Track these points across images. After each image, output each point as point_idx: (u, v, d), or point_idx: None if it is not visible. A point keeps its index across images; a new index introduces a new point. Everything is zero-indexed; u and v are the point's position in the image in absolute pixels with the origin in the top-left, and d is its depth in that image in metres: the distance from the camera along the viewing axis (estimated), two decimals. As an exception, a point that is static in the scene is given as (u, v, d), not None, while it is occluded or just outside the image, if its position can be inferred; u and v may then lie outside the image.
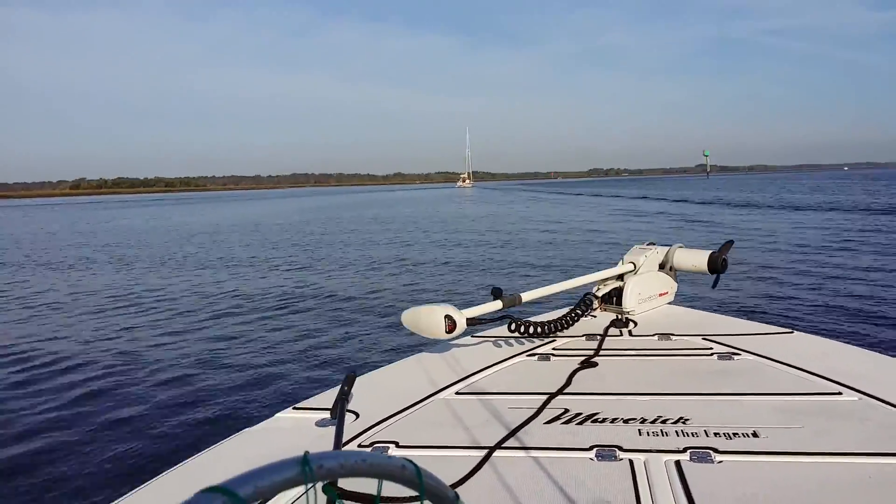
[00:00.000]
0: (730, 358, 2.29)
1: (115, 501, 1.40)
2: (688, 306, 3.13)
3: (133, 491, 1.45)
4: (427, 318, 2.30)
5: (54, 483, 4.23)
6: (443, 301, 2.38)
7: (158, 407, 5.61)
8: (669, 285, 3.13)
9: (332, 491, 1.28)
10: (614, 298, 2.98)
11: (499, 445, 1.63)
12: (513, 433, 1.69)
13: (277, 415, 1.90)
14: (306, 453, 0.56)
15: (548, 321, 2.65)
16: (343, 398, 1.79)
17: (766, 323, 2.84)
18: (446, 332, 2.28)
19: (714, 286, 3.17)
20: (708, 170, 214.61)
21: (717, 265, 3.03)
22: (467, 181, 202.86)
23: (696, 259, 3.10)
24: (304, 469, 0.55)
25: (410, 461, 0.65)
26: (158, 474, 1.55)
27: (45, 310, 10.54)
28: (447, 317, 2.27)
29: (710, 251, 3.08)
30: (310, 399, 2.00)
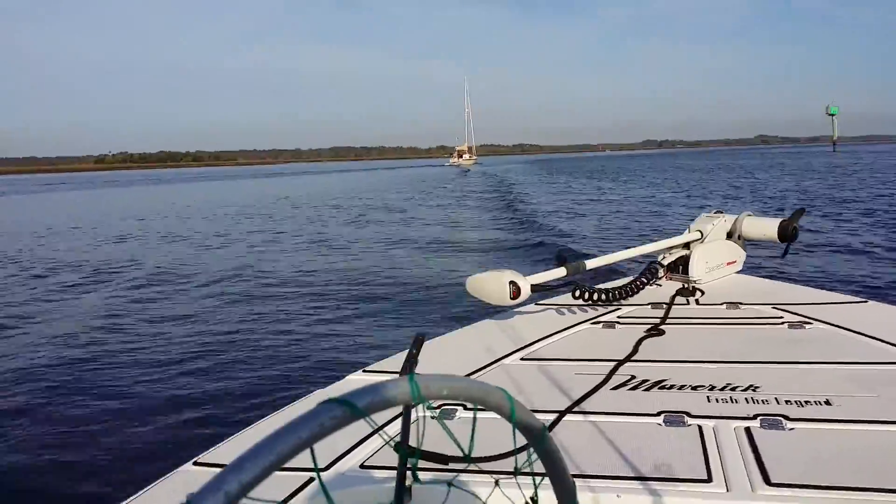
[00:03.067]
0: (801, 327, 2.24)
1: (198, 456, 1.48)
2: (757, 276, 3.06)
3: (213, 447, 1.53)
4: (492, 285, 2.32)
5: (134, 439, 4.47)
6: (507, 268, 2.40)
7: (234, 368, 5.86)
8: (738, 254, 3.07)
9: (404, 450, 1.33)
10: (680, 267, 2.94)
11: (569, 410, 1.64)
12: (581, 399, 1.71)
13: (347, 377, 1.96)
14: (412, 374, 0.62)
15: (613, 288, 2.63)
16: (411, 361, 1.84)
17: (840, 292, 2.76)
18: (511, 298, 2.30)
19: (784, 255, 3.09)
20: (835, 139, 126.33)
21: (787, 233, 2.95)
22: (465, 156, 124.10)
23: (765, 227, 3.02)
24: (412, 386, 0.60)
25: (505, 391, 0.70)
26: (235, 433, 1.63)
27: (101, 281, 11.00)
28: (512, 283, 2.29)
29: (781, 219, 3.00)
30: (379, 362, 2.05)
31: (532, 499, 0.99)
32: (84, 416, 4.99)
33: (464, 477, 1.30)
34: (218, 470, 1.49)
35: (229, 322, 7.62)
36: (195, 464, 1.45)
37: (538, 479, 0.82)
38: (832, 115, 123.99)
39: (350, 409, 0.56)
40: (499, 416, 1.58)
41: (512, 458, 1.27)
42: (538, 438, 0.74)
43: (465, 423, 1.59)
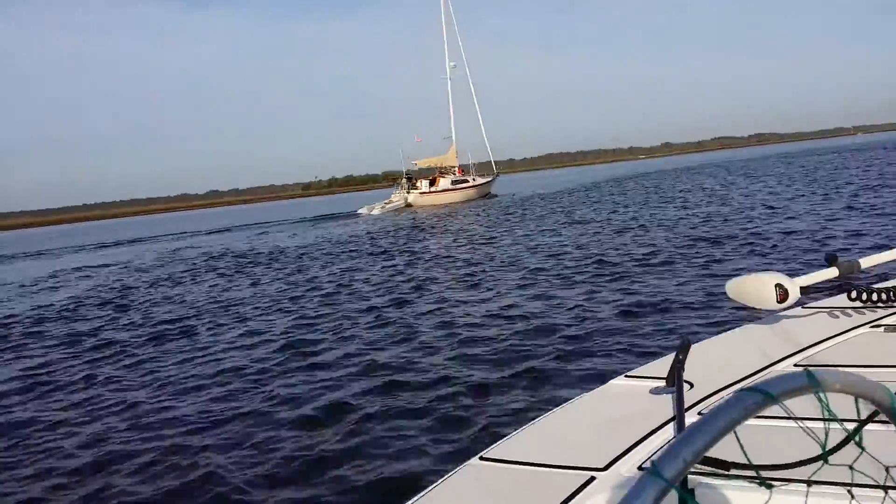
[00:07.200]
0: None
1: (484, 452, 1.60)
2: None
3: (496, 444, 1.63)
4: (755, 288, 2.22)
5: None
6: (770, 269, 2.28)
7: (499, 373, 6.18)
8: None
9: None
10: None
11: (870, 419, 1.53)
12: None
13: (610, 382, 1.99)
14: (806, 369, 0.68)
15: None
16: (679, 366, 1.83)
17: None
18: (777, 302, 2.18)
19: None
20: None
21: None
22: (444, 181, 44.21)
23: None
24: (809, 380, 0.69)
25: (887, 388, 0.76)
26: (512, 432, 1.72)
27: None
28: (778, 286, 2.17)
29: None
30: (642, 367, 2.05)
31: None
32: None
33: (747, 484, 1.27)
34: (504, 465, 1.59)
35: (493, 322, 8.08)
36: (481, 458, 1.57)
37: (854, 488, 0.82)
38: None
39: (766, 397, 0.67)
40: (777, 425, 1.53)
41: (803, 469, 1.22)
42: None
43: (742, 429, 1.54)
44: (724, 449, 0.80)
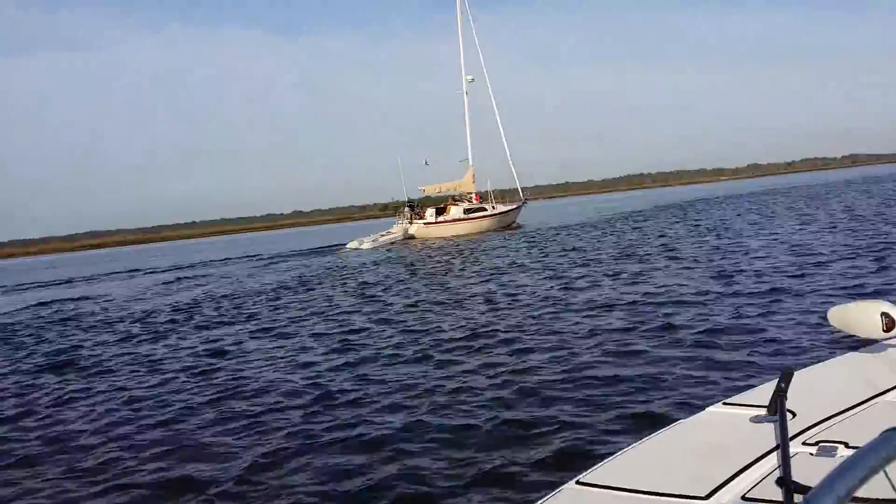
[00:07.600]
0: None
1: (581, 476, 1.60)
2: None
3: (593, 468, 1.61)
4: (860, 316, 2.15)
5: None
6: (876, 297, 2.21)
7: (596, 398, 6.07)
8: None
9: (789, 485, 1.29)
10: None
11: None
12: None
13: (708, 409, 1.96)
14: None
15: None
16: (782, 395, 1.78)
17: None
18: (883, 331, 2.11)
19: None
20: None
21: None
22: (455, 209, 38.65)
23: None
24: None
25: None
26: (608, 456, 1.71)
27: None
28: (884, 314, 2.10)
29: None
30: (741, 395, 2.01)
31: None
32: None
33: None
34: (601, 490, 1.59)
35: (575, 343, 7.98)
36: (578, 483, 1.57)
37: None
38: None
39: None
40: None
41: None
42: None
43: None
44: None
